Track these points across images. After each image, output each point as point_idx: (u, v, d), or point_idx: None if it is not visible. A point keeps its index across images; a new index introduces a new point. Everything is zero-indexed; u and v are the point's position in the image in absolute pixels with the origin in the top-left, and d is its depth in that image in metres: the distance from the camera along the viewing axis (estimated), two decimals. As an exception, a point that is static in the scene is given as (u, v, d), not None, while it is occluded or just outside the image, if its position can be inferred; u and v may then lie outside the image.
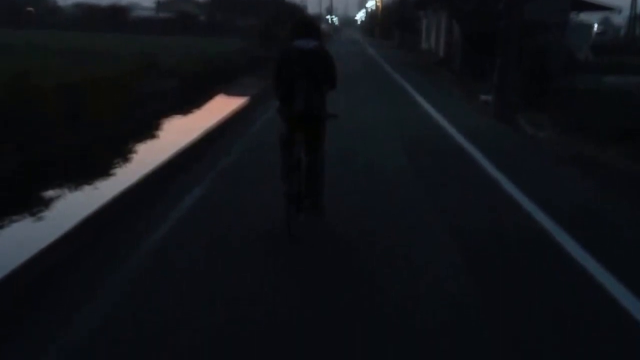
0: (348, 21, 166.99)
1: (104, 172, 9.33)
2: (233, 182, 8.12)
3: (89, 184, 8.60)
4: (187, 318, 4.38)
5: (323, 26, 60.00)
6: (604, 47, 30.04)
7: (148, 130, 12.99)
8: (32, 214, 7.16)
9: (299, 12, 48.72)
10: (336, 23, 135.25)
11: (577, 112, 12.33)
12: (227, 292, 4.83)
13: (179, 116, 15.18)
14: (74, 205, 7.59)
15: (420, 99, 16.99)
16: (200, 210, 6.88)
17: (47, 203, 7.61)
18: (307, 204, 6.20)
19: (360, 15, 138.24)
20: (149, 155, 10.42)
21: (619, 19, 54.91)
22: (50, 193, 8.06)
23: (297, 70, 5.96)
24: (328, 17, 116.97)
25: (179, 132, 12.75)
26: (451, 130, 12.23)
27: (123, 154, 10.70)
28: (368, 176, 8.55)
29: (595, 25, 43.42)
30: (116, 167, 9.72)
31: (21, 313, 4.55)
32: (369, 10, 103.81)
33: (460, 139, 11.31)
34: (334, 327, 4.29)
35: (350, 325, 4.32)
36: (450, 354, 3.96)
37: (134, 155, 10.74)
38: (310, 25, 6.39)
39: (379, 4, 79.45)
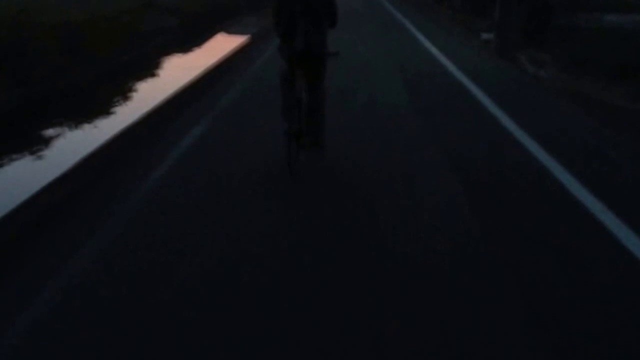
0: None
1: (104, 110, 9.18)
2: (234, 121, 7.95)
3: (89, 122, 8.46)
4: (187, 254, 4.29)
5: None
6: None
7: (148, 68, 12.78)
8: (32, 152, 7.04)
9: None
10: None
11: (578, 50, 12.08)
12: (227, 229, 4.72)
13: (179, 54, 14.94)
14: (74, 144, 7.48)
15: (420, 37, 16.65)
16: (200, 149, 6.74)
17: (47, 141, 7.49)
18: (308, 142, 6.07)
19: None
20: (149, 93, 10.25)
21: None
22: (50, 131, 7.93)
23: (298, 8, 5.75)
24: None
25: (179, 70, 12.54)
26: (452, 68, 11.98)
27: (123, 92, 10.53)
28: (369, 113, 8.38)
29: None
30: (116, 105, 9.57)
31: (22, 249, 4.47)
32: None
33: (461, 76, 11.09)
34: (335, 263, 4.20)
35: (352, 260, 4.23)
36: (451, 290, 3.88)
37: (134, 94, 10.57)
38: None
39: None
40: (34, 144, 7.31)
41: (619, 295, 3.88)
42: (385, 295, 3.80)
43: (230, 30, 19.30)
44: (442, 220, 4.93)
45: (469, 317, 3.58)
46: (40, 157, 6.92)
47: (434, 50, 14.36)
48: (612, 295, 3.88)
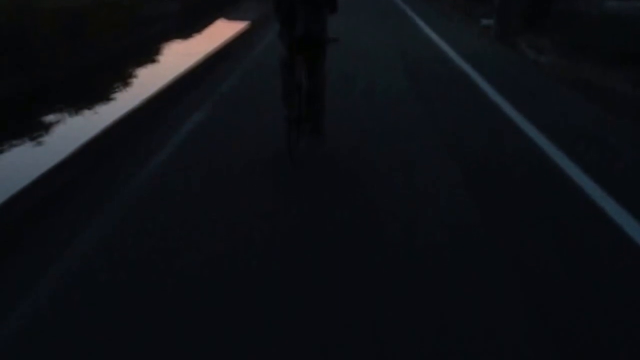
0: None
1: (105, 96, 9.12)
2: (234, 107, 7.90)
3: (89, 108, 8.41)
4: (187, 241, 4.26)
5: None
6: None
7: (148, 54, 12.70)
8: (33, 138, 7.00)
9: None
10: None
11: (578, 36, 12.00)
12: (227, 216, 4.69)
13: (179, 40, 14.85)
14: (74, 130, 7.43)
15: (421, 23, 16.57)
16: (200, 135, 6.70)
17: (47, 127, 7.44)
18: (308, 128, 6.04)
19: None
20: (149, 79, 10.18)
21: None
22: (50, 117, 7.88)
23: (298, -7, 5.69)
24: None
25: (180, 56, 12.46)
26: (452, 54, 11.92)
27: (124, 78, 10.47)
28: (369, 100, 8.33)
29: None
30: (116, 91, 9.51)
31: (21, 236, 4.44)
32: None
33: (461, 62, 11.03)
34: (334, 252, 4.17)
35: (351, 249, 4.20)
36: (451, 279, 3.85)
37: (135, 80, 10.51)
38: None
39: None
40: (34, 130, 7.26)
41: (620, 282, 3.84)
42: (385, 285, 3.76)
43: (230, 16, 19.18)
44: (441, 208, 4.90)
45: (468, 307, 3.54)
46: (40, 143, 6.88)
47: (434, 36, 14.28)
48: (613, 282, 3.84)
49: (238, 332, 3.25)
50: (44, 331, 3.28)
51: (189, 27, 16.36)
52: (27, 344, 3.18)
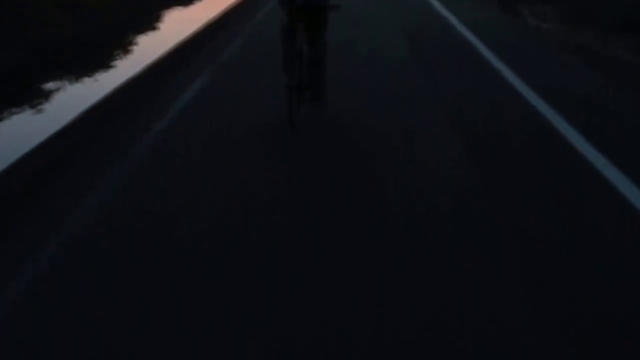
0: None
1: (105, 64, 8.97)
2: (235, 75, 7.76)
3: (89, 76, 8.27)
4: (188, 209, 4.16)
5: None
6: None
7: (149, 22, 12.51)
8: (32, 106, 6.88)
9: None
10: None
11: (581, 4, 11.81)
12: (228, 183, 4.58)
13: (179, 8, 14.64)
14: (74, 98, 7.29)
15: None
16: (201, 103, 6.58)
17: (47, 95, 7.31)
18: (309, 96, 5.93)
19: None
20: (150, 47, 10.01)
21: None
22: (50, 85, 7.75)
23: (299, -40, 5.54)
24: None
25: (180, 24, 12.27)
26: (454, 21, 11.71)
27: (124, 46, 10.30)
28: (370, 67, 8.17)
29: None
30: (117, 60, 9.35)
31: (21, 205, 4.36)
32: None
33: (463, 30, 10.82)
34: (335, 220, 4.07)
35: (352, 217, 4.10)
36: (452, 249, 3.76)
37: (135, 47, 10.34)
38: None
39: None
40: (34, 98, 7.14)
41: (625, 258, 3.70)
42: (385, 259, 3.64)
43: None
44: (442, 177, 4.79)
45: (469, 286, 3.38)
46: (40, 111, 6.75)
47: (435, 3, 14.06)
48: (618, 258, 3.69)
49: (238, 311, 3.09)
50: (43, 302, 3.18)
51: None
52: (26, 313, 3.09)
